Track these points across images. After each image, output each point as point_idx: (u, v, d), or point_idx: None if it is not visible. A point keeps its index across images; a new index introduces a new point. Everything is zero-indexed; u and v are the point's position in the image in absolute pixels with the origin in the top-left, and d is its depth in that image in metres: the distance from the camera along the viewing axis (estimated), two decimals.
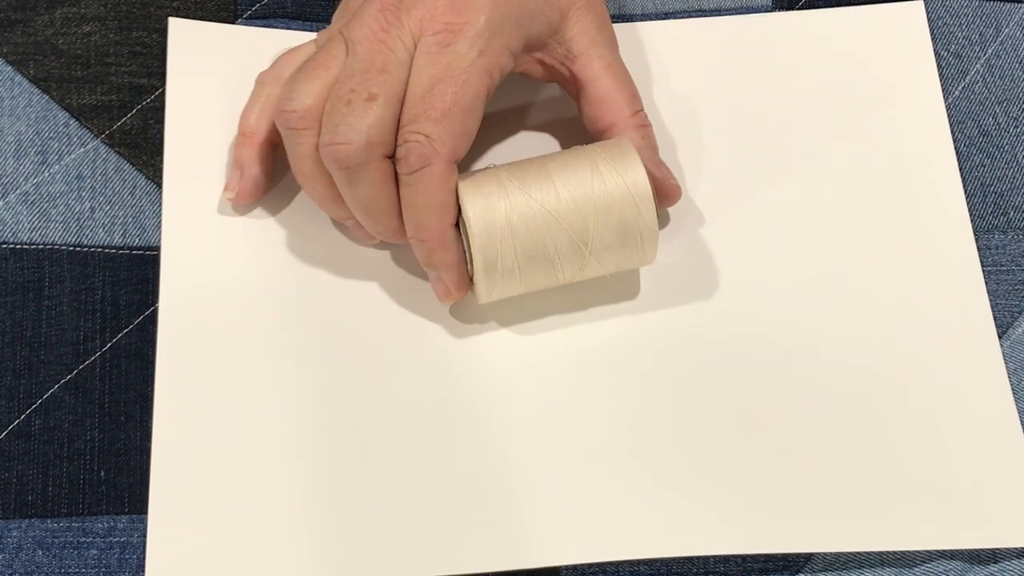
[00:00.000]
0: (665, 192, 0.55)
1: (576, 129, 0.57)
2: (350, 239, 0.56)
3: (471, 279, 0.52)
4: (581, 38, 0.54)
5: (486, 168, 0.52)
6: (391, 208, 0.51)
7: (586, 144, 0.52)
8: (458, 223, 0.51)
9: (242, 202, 0.56)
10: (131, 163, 0.58)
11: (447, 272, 0.52)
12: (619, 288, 0.55)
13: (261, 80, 0.55)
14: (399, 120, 0.50)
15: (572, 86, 0.55)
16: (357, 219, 0.53)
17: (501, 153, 0.58)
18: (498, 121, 0.59)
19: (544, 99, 0.60)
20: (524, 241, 0.50)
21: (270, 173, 0.56)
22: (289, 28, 0.61)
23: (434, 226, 0.50)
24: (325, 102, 0.50)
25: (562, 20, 0.54)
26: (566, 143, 0.58)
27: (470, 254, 0.51)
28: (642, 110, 0.55)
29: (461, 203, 0.50)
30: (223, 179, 0.57)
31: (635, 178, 0.50)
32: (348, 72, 0.50)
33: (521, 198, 0.50)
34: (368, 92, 0.49)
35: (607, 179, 0.50)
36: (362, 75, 0.50)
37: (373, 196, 0.51)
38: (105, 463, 0.52)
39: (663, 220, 0.57)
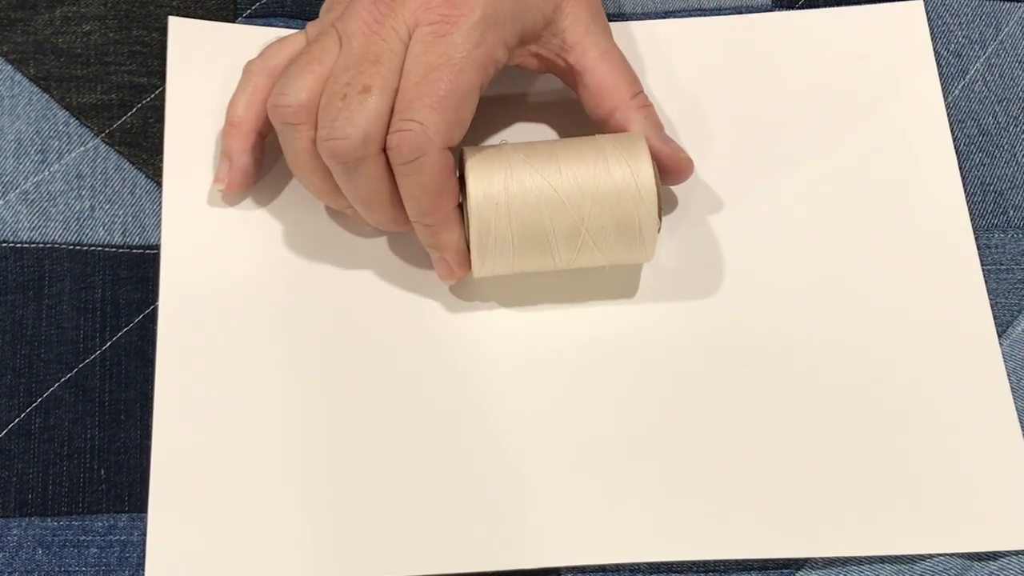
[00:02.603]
0: (676, 166, 0.54)
1: (588, 118, 0.57)
2: (348, 230, 0.56)
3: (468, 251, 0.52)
4: (575, 28, 0.54)
5: (496, 144, 0.52)
6: (391, 199, 0.51)
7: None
8: (461, 202, 0.51)
9: (232, 192, 0.56)
10: (131, 162, 0.58)
11: (451, 253, 0.52)
12: (619, 286, 0.55)
13: (249, 69, 0.55)
14: (393, 108, 0.50)
15: (570, 76, 0.55)
16: (357, 210, 0.53)
17: (513, 138, 0.58)
18: (508, 106, 0.58)
19: (558, 88, 0.59)
20: (521, 212, 0.50)
21: (259, 162, 0.56)
22: (289, 27, 0.61)
23: (436, 211, 0.50)
24: (320, 96, 0.50)
25: (555, 11, 0.53)
26: (580, 132, 0.58)
27: (467, 222, 0.51)
28: (642, 91, 0.55)
29: (465, 172, 0.50)
30: None
31: (640, 167, 0.50)
32: (342, 66, 0.50)
33: (523, 170, 0.50)
34: (362, 85, 0.49)
35: (612, 164, 0.50)
36: (356, 68, 0.50)
37: (372, 189, 0.50)
38: (105, 462, 0.52)
39: (664, 214, 0.56)
